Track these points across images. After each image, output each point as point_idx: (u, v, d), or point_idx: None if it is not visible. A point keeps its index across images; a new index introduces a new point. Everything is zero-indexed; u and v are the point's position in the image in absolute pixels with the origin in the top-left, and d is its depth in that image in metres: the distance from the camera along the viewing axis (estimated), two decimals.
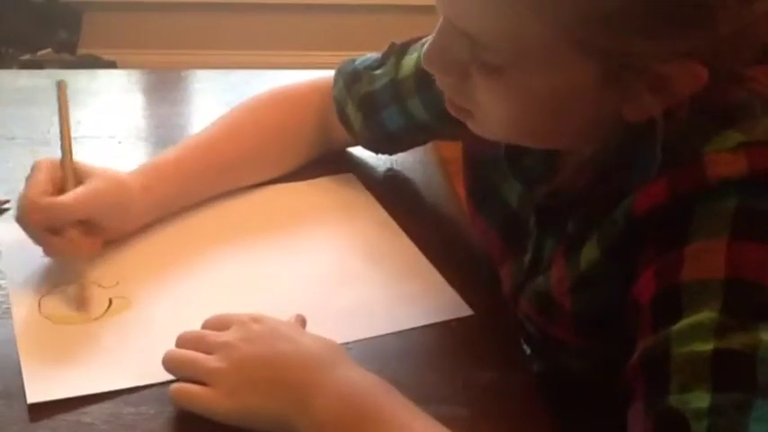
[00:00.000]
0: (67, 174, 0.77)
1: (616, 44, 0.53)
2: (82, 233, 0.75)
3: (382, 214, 0.87)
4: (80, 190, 0.76)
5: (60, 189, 0.76)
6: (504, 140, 0.67)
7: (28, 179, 0.76)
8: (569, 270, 0.64)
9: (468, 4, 0.56)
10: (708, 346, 0.51)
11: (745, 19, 0.53)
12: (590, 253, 0.61)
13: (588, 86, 0.56)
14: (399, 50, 0.86)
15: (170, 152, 0.86)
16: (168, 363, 0.66)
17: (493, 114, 0.61)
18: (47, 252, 0.77)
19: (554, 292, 0.66)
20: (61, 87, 0.82)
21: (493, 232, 0.76)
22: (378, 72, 0.86)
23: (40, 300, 0.75)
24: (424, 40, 0.83)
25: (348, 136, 0.91)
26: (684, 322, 0.52)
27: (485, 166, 0.75)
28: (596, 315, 0.63)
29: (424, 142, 0.92)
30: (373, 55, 0.89)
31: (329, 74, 0.92)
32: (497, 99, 0.59)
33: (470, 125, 0.65)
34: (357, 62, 0.89)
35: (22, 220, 0.75)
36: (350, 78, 0.88)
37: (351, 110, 0.88)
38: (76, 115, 1.05)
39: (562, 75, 0.56)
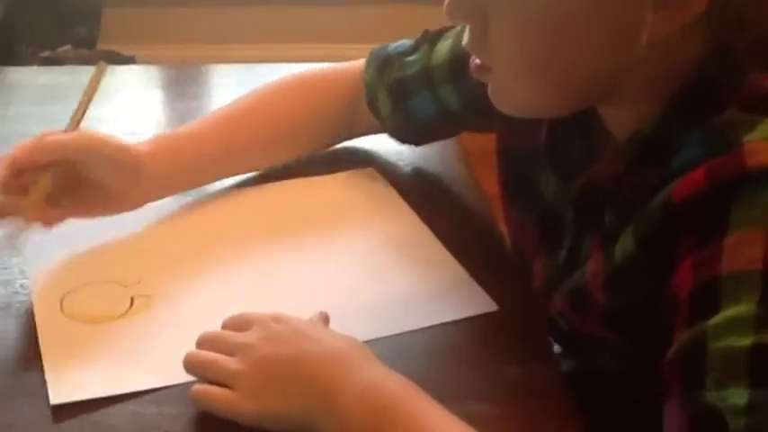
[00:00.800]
0: (76, 118, 0.77)
1: None
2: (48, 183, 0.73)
3: (405, 208, 0.86)
4: (76, 131, 0.75)
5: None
6: (519, 107, 0.65)
7: None
8: (605, 263, 0.62)
9: None
10: (746, 341, 0.50)
11: None
12: (625, 245, 0.60)
13: (597, 21, 0.56)
14: (433, 37, 0.85)
15: (190, 125, 0.85)
16: (189, 364, 0.65)
17: (509, 57, 0.60)
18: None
19: (589, 287, 0.64)
20: (100, 68, 0.81)
21: (528, 226, 0.74)
22: (410, 58, 0.85)
23: (62, 298, 0.74)
24: (457, 28, 0.83)
25: (374, 122, 0.90)
26: (722, 316, 0.51)
27: (520, 160, 0.74)
28: (631, 310, 0.61)
29: (451, 134, 0.90)
30: (407, 41, 0.88)
31: (360, 60, 0.91)
32: (508, 38, 0.59)
33: (490, 90, 0.64)
34: (390, 48, 0.88)
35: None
36: (382, 64, 0.87)
37: (381, 95, 0.87)
38: (95, 112, 1.05)
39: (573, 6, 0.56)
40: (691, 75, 0.58)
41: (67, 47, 2.31)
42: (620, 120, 0.63)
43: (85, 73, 1.23)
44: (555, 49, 0.58)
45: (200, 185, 0.85)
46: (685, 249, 0.55)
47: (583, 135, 0.67)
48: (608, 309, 0.63)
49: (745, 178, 0.53)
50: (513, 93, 0.63)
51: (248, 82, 1.15)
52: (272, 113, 0.88)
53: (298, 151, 0.91)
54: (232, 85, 1.16)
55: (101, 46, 2.40)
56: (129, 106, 1.08)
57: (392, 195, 0.88)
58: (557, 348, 0.75)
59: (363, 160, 0.94)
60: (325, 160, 0.92)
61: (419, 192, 0.90)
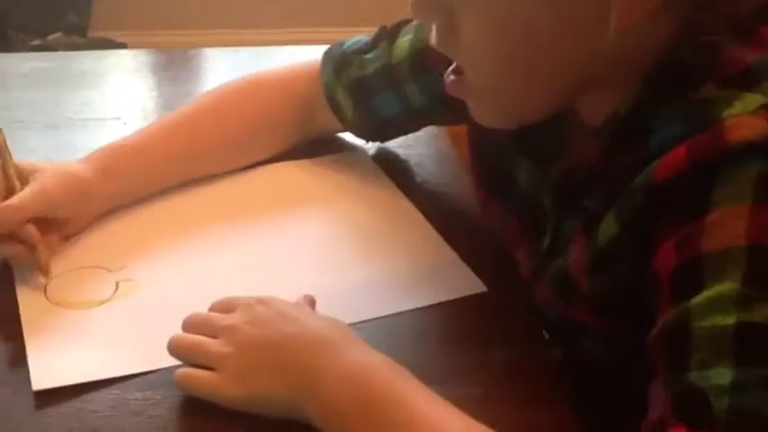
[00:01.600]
0: (9, 174, 0.74)
1: None
2: (36, 231, 0.73)
3: (393, 190, 0.86)
4: (26, 190, 0.74)
5: (8, 194, 0.74)
6: (498, 117, 0.64)
7: None
8: (587, 248, 0.62)
9: None
10: (729, 320, 0.49)
11: None
12: (608, 228, 0.59)
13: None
14: (390, 33, 0.82)
15: (133, 136, 0.83)
16: (173, 348, 0.64)
17: (478, 54, 0.59)
18: (4, 257, 0.75)
19: (572, 272, 0.64)
20: None
21: (509, 217, 0.74)
22: (368, 56, 0.83)
23: (45, 284, 0.74)
24: (415, 21, 0.81)
25: (335, 122, 0.87)
26: (705, 294, 0.50)
27: (492, 151, 0.73)
28: (615, 293, 0.61)
29: (417, 129, 0.88)
30: (362, 38, 0.85)
31: (315, 58, 0.88)
32: (478, 27, 0.58)
33: (469, 106, 0.63)
34: (345, 46, 0.86)
35: None
36: (339, 63, 0.85)
37: (341, 96, 0.85)
38: (83, 97, 1.05)
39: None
40: (663, 56, 0.57)
41: (58, 34, 2.30)
42: (594, 105, 0.62)
43: (75, 59, 1.23)
44: (524, 42, 0.57)
45: (154, 193, 0.83)
46: (668, 229, 0.54)
47: (554, 120, 0.66)
48: (593, 293, 0.62)
49: (726, 155, 0.52)
50: (491, 101, 0.62)
51: (236, 65, 1.14)
52: (222, 117, 0.86)
53: (252, 155, 0.88)
54: (220, 68, 1.16)
55: (92, 33, 2.39)
56: (117, 91, 1.08)
57: (380, 177, 0.88)
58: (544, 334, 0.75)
59: (351, 141, 0.93)
60: (312, 142, 0.91)
61: (407, 173, 0.89)
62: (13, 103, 1.03)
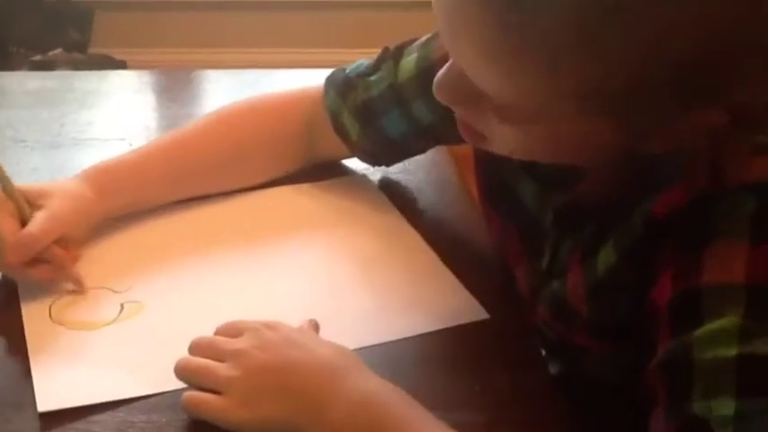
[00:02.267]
0: (19, 203, 0.75)
1: (629, 111, 0.50)
2: (61, 251, 0.75)
3: (395, 215, 0.86)
4: (41, 217, 0.74)
5: (19, 219, 0.75)
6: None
7: None
8: (585, 276, 0.62)
9: (472, 64, 0.52)
10: (731, 352, 0.50)
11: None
12: (607, 258, 0.60)
13: (602, 134, 0.53)
14: (394, 54, 0.82)
15: (127, 155, 0.83)
16: (180, 371, 0.65)
17: (507, 144, 0.58)
18: (34, 281, 0.75)
19: (570, 299, 0.64)
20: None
21: (510, 232, 0.74)
22: (373, 78, 0.83)
23: (50, 305, 0.74)
24: (419, 41, 0.82)
25: (338, 148, 0.87)
26: (707, 327, 0.51)
27: (498, 167, 0.74)
28: (614, 321, 0.62)
29: (424, 149, 0.88)
30: (364, 61, 0.86)
31: (316, 83, 0.88)
32: (511, 137, 0.56)
33: (484, 147, 0.62)
34: (348, 70, 0.86)
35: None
36: (343, 87, 0.85)
37: (347, 119, 0.84)
38: (86, 117, 1.05)
39: (573, 126, 0.53)
40: None
41: (59, 50, 2.31)
42: None
43: (78, 78, 1.23)
44: (555, 149, 0.57)
45: (151, 209, 0.84)
46: (666, 261, 0.55)
47: None
48: (592, 321, 0.63)
49: (724, 190, 0.53)
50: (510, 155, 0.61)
51: (238, 87, 1.15)
52: (220, 139, 0.86)
53: (249, 177, 0.88)
54: (223, 89, 1.16)
55: (92, 50, 2.40)
56: (119, 112, 1.08)
57: (383, 201, 0.88)
58: (543, 352, 0.75)
59: (353, 166, 0.93)
60: (315, 167, 0.92)
61: (408, 196, 0.90)
62: (16, 122, 1.03)
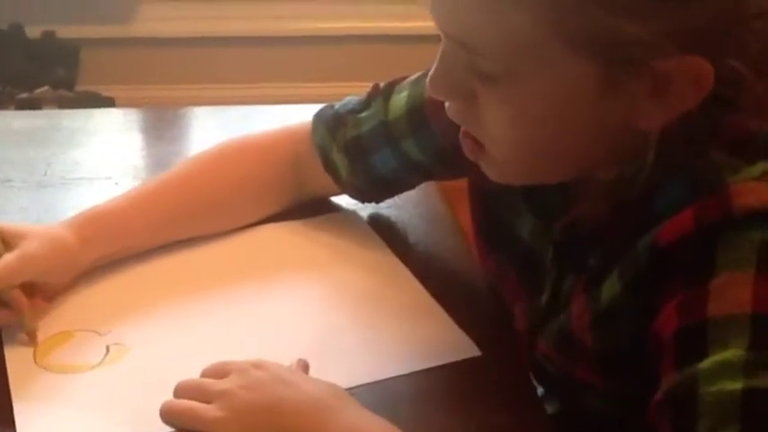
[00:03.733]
0: None
1: (602, 30, 0.52)
2: (22, 296, 0.73)
3: (386, 252, 0.85)
4: (11, 257, 0.73)
5: None
6: (516, 178, 0.65)
7: None
8: (590, 305, 0.62)
9: (454, 3, 0.56)
10: (737, 386, 0.49)
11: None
12: (611, 287, 0.59)
13: (587, 90, 0.55)
14: (384, 91, 0.82)
15: (113, 201, 0.82)
16: (166, 414, 0.63)
17: (500, 137, 0.59)
18: None
19: (574, 329, 0.64)
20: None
21: (507, 270, 0.74)
22: (363, 115, 0.82)
23: (35, 349, 0.72)
24: (410, 78, 0.82)
25: (326, 186, 0.86)
26: (711, 360, 0.50)
27: (494, 203, 0.73)
28: (618, 352, 0.61)
29: (414, 185, 0.87)
30: (353, 98, 0.85)
31: (304, 122, 0.87)
32: (502, 116, 0.58)
33: (483, 166, 0.63)
34: (337, 107, 0.85)
35: None
36: (332, 123, 0.84)
37: (336, 156, 0.84)
38: (73, 156, 1.04)
39: (558, 77, 0.55)
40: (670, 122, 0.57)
41: (46, 88, 2.30)
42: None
43: (65, 117, 1.22)
44: (548, 134, 0.58)
45: (136, 254, 0.82)
46: (671, 291, 0.54)
47: None
48: (596, 351, 0.62)
49: (731, 220, 0.53)
50: (509, 170, 0.62)
51: (226, 123, 1.15)
52: (204, 182, 0.85)
53: (237, 219, 0.87)
54: (210, 126, 1.16)
55: (79, 87, 2.39)
56: (106, 150, 1.07)
57: (372, 238, 0.87)
58: (540, 391, 0.74)
59: (341, 201, 0.92)
60: (303, 204, 0.91)
61: (397, 232, 0.89)
62: (2, 162, 1.02)
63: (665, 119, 0.55)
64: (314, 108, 0.90)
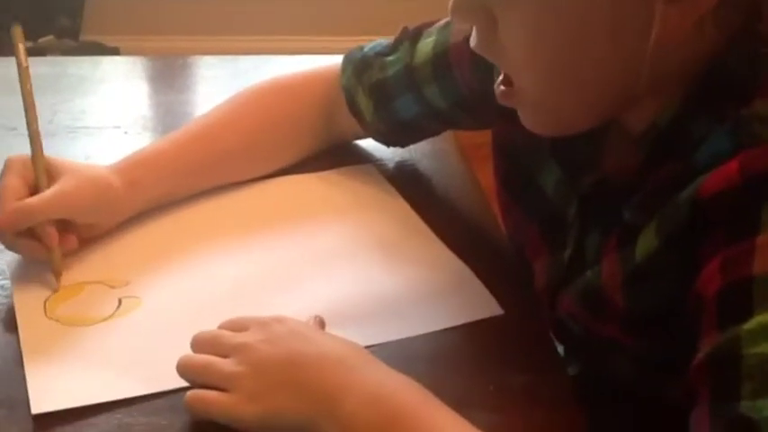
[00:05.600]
0: (39, 172, 0.73)
1: None
2: (54, 232, 0.72)
3: (404, 206, 0.83)
4: (49, 192, 0.72)
5: (34, 188, 0.73)
6: (546, 122, 0.62)
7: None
8: (622, 263, 0.60)
9: None
10: None
11: None
12: (647, 243, 0.57)
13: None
14: (413, 35, 0.81)
15: (159, 144, 0.82)
16: (183, 369, 0.62)
17: (521, 64, 0.58)
18: (20, 254, 0.74)
19: (605, 288, 0.61)
20: (16, 33, 0.75)
21: (529, 225, 0.72)
22: (390, 58, 0.82)
23: (45, 301, 0.71)
24: (439, 23, 0.81)
25: (354, 128, 0.86)
26: (756, 320, 0.48)
27: (520, 155, 0.71)
28: (652, 311, 0.59)
29: (438, 132, 0.88)
30: (383, 41, 0.84)
31: (335, 61, 0.87)
32: (520, 39, 0.57)
33: (519, 112, 0.61)
34: (366, 49, 0.85)
35: None
36: (359, 66, 0.84)
37: (361, 98, 0.84)
38: (80, 104, 1.02)
39: None
40: (708, 67, 0.56)
41: (50, 37, 2.27)
42: (635, 113, 0.61)
43: (71, 65, 1.20)
44: (567, 48, 0.56)
45: (178, 200, 0.82)
46: (713, 247, 0.52)
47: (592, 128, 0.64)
48: (628, 311, 0.60)
49: None
50: (541, 111, 0.61)
51: (236, 74, 1.12)
52: (245, 125, 0.85)
53: (276, 161, 0.87)
54: (219, 76, 1.13)
55: (84, 37, 2.36)
56: (113, 99, 1.05)
57: (390, 193, 0.85)
58: (560, 350, 0.73)
59: (359, 156, 0.91)
60: (320, 156, 0.89)
61: (415, 188, 0.87)
62: (6, 109, 0.99)
63: (684, 25, 0.53)
64: (325, 59, 0.89)
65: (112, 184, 0.76)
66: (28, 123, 0.75)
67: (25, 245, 0.72)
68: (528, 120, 0.62)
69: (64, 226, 0.73)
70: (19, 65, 0.75)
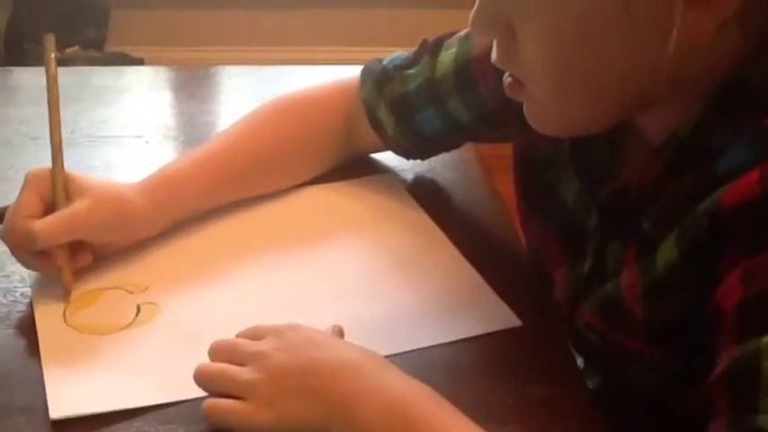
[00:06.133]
0: (57, 190, 0.72)
1: None
2: (63, 253, 0.71)
3: (422, 216, 0.83)
4: (61, 216, 0.71)
5: (51, 205, 0.72)
6: (558, 122, 0.61)
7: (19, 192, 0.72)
8: (642, 274, 0.59)
9: None
10: None
11: None
12: (667, 254, 0.57)
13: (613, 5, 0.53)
14: (433, 47, 0.81)
15: (181, 163, 0.80)
16: (199, 377, 0.62)
17: (536, 69, 0.57)
18: (33, 270, 0.74)
19: (624, 299, 0.61)
20: (48, 41, 0.74)
21: (549, 236, 0.71)
22: (411, 71, 0.81)
23: (65, 307, 0.71)
24: (459, 34, 0.80)
25: (375, 140, 0.85)
26: None
27: (541, 166, 0.71)
28: (671, 323, 0.58)
29: (459, 145, 0.87)
30: (402, 53, 0.84)
31: (354, 73, 0.86)
32: (539, 48, 0.56)
33: (526, 110, 0.61)
34: (386, 62, 0.84)
35: (5, 241, 0.72)
36: (380, 79, 0.83)
37: (383, 113, 0.83)
38: (102, 114, 1.03)
39: None
40: (729, 74, 0.55)
41: (75, 48, 2.29)
42: (654, 122, 0.60)
43: (94, 74, 1.21)
44: (586, 57, 0.56)
45: (197, 216, 0.81)
46: (734, 259, 0.51)
47: (611, 137, 0.64)
48: (647, 322, 0.60)
49: None
50: (551, 111, 0.60)
51: (258, 83, 1.13)
52: (266, 140, 0.83)
53: (297, 176, 0.86)
54: (242, 86, 1.13)
55: (109, 48, 2.38)
56: (136, 108, 1.05)
57: (409, 202, 0.85)
58: (580, 362, 0.72)
59: (378, 166, 0.90)
60: (339, 166, 0.89)
61: (434, 198, 0.87)
62: (30, 118, 1.01)
63: (705, 29, 0.52)
64: (349, 70, 0.88)
65: (134, 203, 0.75)
66: (51, 135, 0.74)
67: (37, 263, 0.72)
68: (533, 117, 0.61)
69: (75, 245, 0.72)
70: (48, 74, 0.75)
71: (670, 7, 0.51)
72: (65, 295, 0.72)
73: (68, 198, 0.72)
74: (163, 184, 0.78)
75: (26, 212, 0.71)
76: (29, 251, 0.71)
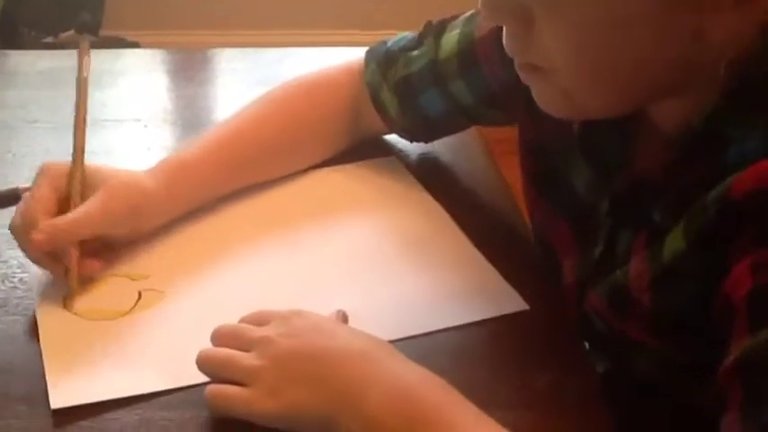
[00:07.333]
0: (74, 191, 0.71)
1: None
2: (75, 255, 0.70)
3: (428, 200, 0.82)
4: (82, 210, 0.70)
5: (65, 200, 0.71)
6: (572, 105, 0.60)
7: (33, 185, 0.71)
8: (650, 262, 0.58)
9: None
10: None
11: None
12: (675, 243, 0.56)
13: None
14: (437, 29, 0.80)
15: (192, 149, 0.79)
16: (202, 363, 0.61)
17: (561, 61, 0.56)
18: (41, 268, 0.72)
19: (632, 288, 0.60)
20: (83, 48, 0.74)
21: (558, 222, 0.71)
22: (414, 53, 0.81)
23: (65, 294, 0.70)
24: (464, 15, 0.79)
25: (377, 124, 0.85)
26: None
27: (548, 152, 0.70)
28: (678, 313, 0.58)
29: (463, 128, 0.86)
30: (407, 35, 0.83)
31: (357, 56, 0.86)
32: (562, 38, 0.55)
33: (536, 92, 0.60)
34: (390, 43, 0.83)
35: (18, 239, 0.70)
36: (384, 61, 0.83)
37: (386, 95, 0.82)
38: (100, 97, 1.01)
39: None
40: (744, 65, 0.54)
41: (71, 32, 2.28)
42: (668, 111, 0.59)
43: (91, 58, 1.19)
44: (611, 51, 0.55)
45: (211, 203, 0.80)
46: (743, 249, 0.51)
47: (622, 126, 0.63)
48: (654, 311, 0.59)
49: None
50: (572, 96, 0.58)
51: (257, 66, 1.11)
52: (277, 124, 0.83)
53: (308, 159, 0.85)
54: (241, 69, 1.12)
55: (104, 32, 2.36)
56: (134, 92, 1.04)
57: (414, 186, 0.84)
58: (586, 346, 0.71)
59: (382, 148, 0.89)
60: (348, 149, 0.87)
61: (439, 182, 0.86)
62: (27, 102, 1.00)
63: (741, 26, 0.51)
64: (351, 52, 0.88)
65: (151, 193, 0.74)
66: (75, 136, 0.74)
67: (46, 263, 0.70)
68: (550, 102, 0.60)
69: (91, 242, 0.71)
70: (79, 76, 0.76)
71: (716, 5, 0.51)
72: (69, 300, 0.70)
73: (83, 192, 0.71)
74: (180, 172, 0.77)
75: (42, 210, 0.69)
76: (44, 251, 0.70)
